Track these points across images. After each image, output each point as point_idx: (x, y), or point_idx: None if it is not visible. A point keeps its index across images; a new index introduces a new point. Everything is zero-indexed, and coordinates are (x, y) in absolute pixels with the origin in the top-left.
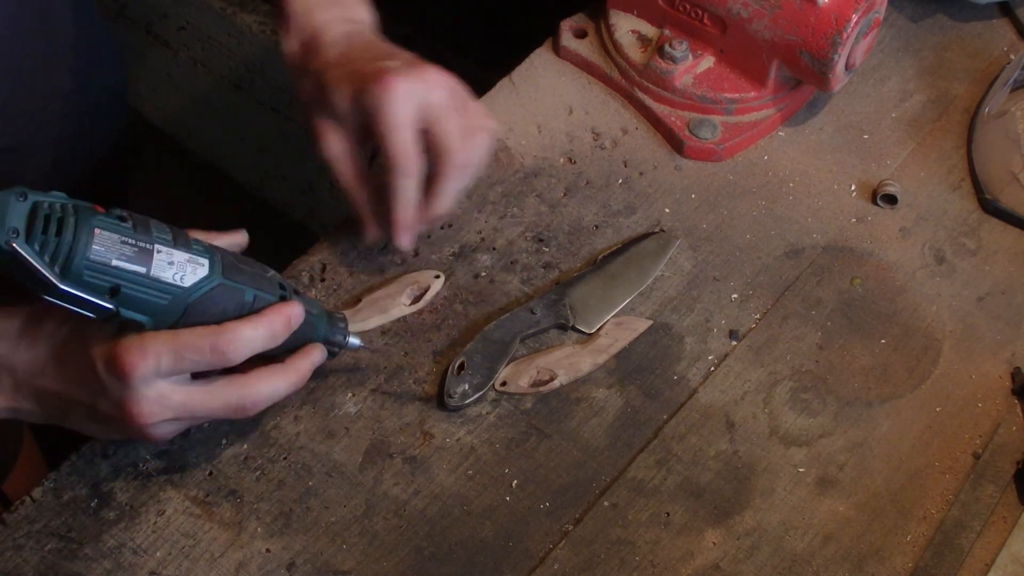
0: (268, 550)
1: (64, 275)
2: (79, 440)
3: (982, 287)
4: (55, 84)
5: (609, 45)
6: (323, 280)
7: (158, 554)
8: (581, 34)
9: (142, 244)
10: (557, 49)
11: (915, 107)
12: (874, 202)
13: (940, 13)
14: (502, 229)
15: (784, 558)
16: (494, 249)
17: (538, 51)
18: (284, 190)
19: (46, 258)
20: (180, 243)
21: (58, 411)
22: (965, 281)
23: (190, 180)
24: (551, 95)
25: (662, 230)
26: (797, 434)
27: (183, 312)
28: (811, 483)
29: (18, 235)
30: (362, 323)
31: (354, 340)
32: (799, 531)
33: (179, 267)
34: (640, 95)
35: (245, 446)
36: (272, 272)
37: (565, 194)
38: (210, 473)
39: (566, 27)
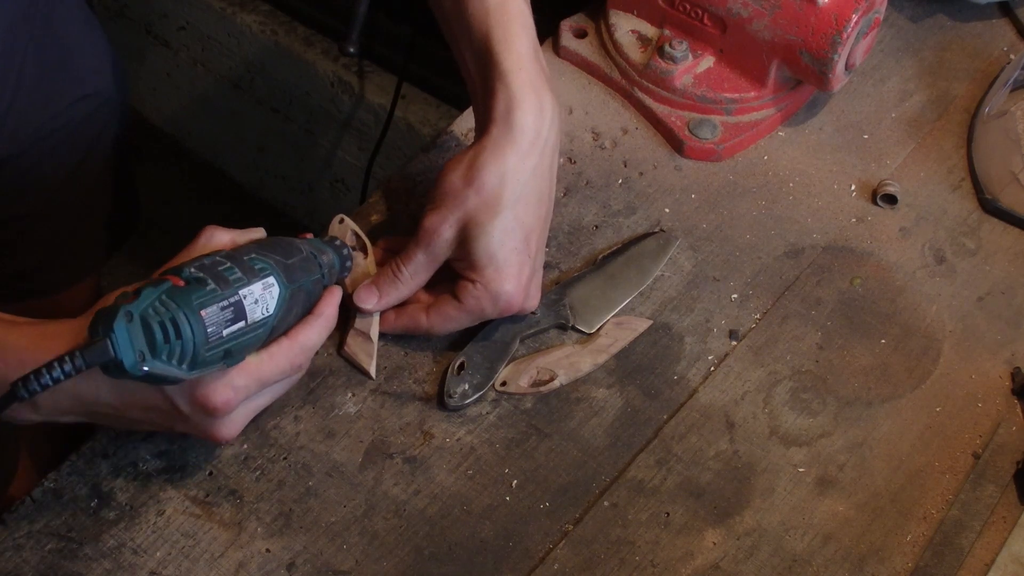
0: (268, 550)
1: (192, 368)
2: (78, 443)
3: (982, 287)
4: (55, 93)
5: (609, 45)
6: None
7: (158, 554)
8: (581, 34)
9: (232, 299)
10: (557, 49)
11: (915, 107)
12: (874, 202)
13: (940, 13)
14: None
15: (784, 558)
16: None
17: None
18: (284, 190)
19: (174, 362)
20: (248, 273)
21: (109, 420)
22: (965, 281)
23: (190, 180)
24: None
25: (662, 230)
26: (797, 434)
27: (270, 333)
28: (811, 483)
29: (145, 358)
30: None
31: (360, 260)
32: (799, 531)
33: (261, 300)
34: (640, 95)
35: (245, 446)
36: (299, 242)
37: (565, 194)
38: (210, 473)
39: (566, 27)
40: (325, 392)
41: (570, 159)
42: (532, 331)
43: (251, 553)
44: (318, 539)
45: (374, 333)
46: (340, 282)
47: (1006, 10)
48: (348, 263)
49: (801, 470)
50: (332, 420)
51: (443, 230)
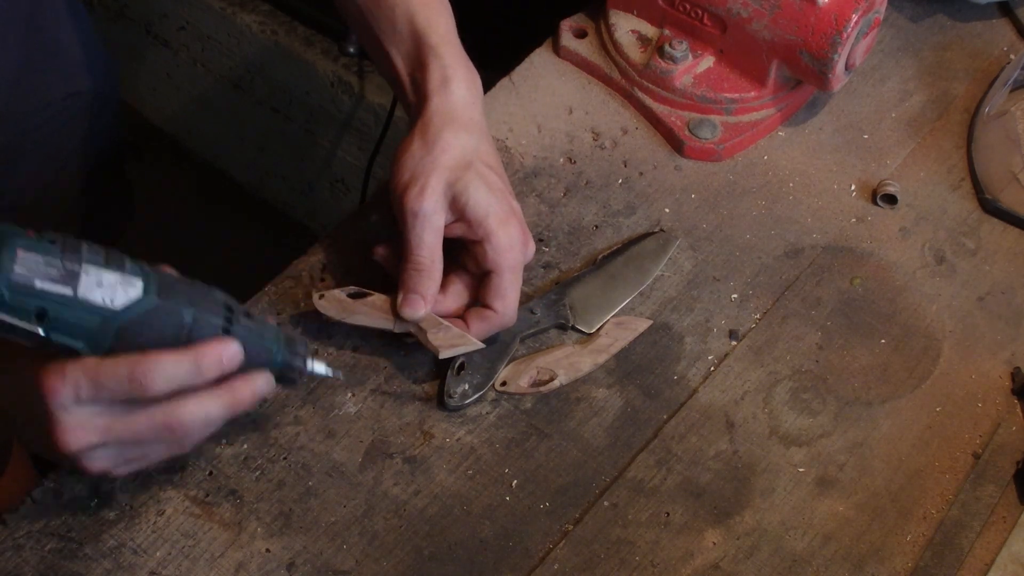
0: (268, 550)
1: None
2: None
3: (982, 287)
4: (42, 88)
5: (609, 45)
6: (323, 280)
7: (158, 554)
8: (581, 34)
9: (69, 265)
10: (557, 49)
11: (915, 107)
12: (874, 202)
13: (940, 13)
14: None
15: (784, 558)
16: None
17: (538, 51)
18: (284, 190)
19: None
20: (113, 264)
21: (6, 420)
22: (965, 281)
23: (190, 180)
24: (551, 95)
25: (662, 230)
26: (797, 434)
27: (116, 335)
28: (811, 483)
29: None
30: (361, 318)
31: (319, 368)
32: (799, 531)
33: (109, 288)
34: (640, 95)
35: (245, 446)
36: (220, 293)
37: (565, 194)
38: (210, 473)
39: (566, 27)
40: (325, 392)
41: (570, 159)
42: (532, 331)
43: (251, 553)
44: (318, 539)
45: (439, 323)
46: (286, 374)
47: (1006, 10)
48: (301, 364)
49: (801, 470)
50: (332, 420)
51: (429, 201)
